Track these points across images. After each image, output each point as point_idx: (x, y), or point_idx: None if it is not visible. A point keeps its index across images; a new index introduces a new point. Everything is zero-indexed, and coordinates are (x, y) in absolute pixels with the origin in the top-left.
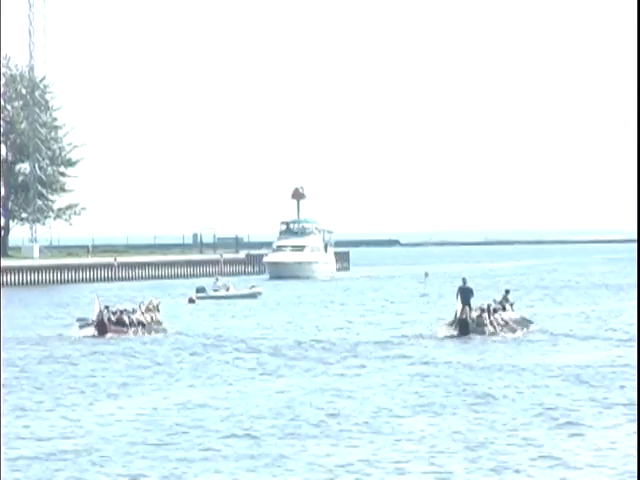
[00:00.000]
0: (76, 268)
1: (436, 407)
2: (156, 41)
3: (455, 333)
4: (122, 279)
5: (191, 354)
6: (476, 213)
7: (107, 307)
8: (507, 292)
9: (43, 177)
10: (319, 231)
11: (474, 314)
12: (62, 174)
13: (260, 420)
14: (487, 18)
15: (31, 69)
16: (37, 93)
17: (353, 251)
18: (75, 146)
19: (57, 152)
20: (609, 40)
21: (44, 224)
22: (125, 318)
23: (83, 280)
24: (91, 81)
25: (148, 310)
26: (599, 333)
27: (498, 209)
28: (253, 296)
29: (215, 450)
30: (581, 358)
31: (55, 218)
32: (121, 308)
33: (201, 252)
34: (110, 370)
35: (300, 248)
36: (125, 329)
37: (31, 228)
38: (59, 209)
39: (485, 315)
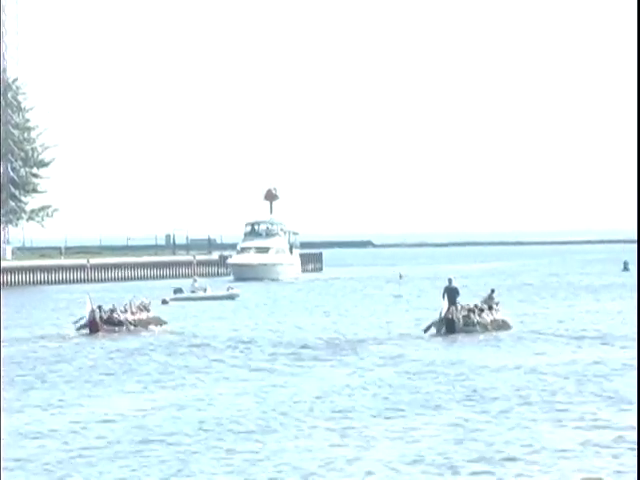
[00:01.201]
0: (49, 270)
1: (428, 403)
2: (128, 43)
3: (442, 332)
4: (95, 281)
5: (183, 353)
6: (450, 215)
7: (100, 307)
8: (492, 291)
9: (16, 178)
10: (284, 232)
11: (461, 314)
12: (35, 175)
13: (248, 417)
14: (485, 20)
15: (3, 70)
16: (9, 94)
17: (326, 252)
18: (47, 147)
19: (30, 153)
20: (605, 38)
21: (17, 225)
22: (117, 317)
23: (56, 282)
24: (64, 82)
25: (139, 309)
26: (578, 333)
27: (473, 210)
28: (231, 297)
29: (218, 448)
30: (565, 357)
31: (28, 220)
32: (113, 308)
33: (174, 253)
34: (103, 368)
35: (265, 250)
36: (117, 328)
37: (3, 230)
38: (32, 210)
39: (472, 315)
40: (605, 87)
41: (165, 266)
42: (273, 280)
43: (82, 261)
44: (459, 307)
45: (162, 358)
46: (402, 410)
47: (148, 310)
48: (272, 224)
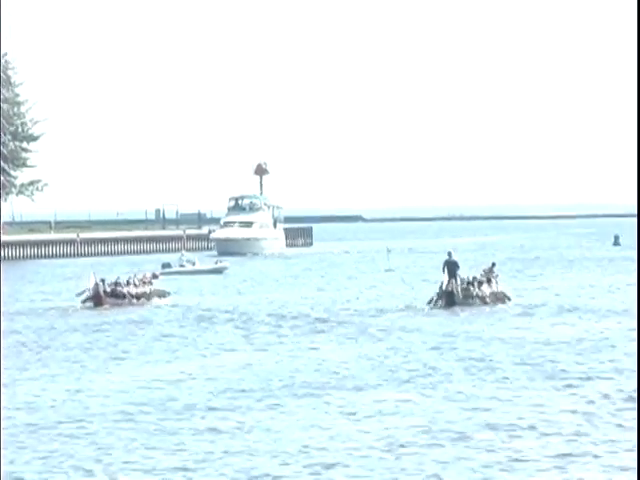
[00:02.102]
0: (38, 244)
1: (432, 372)
2: (118, 16)
3: (441, 305)
4: (85, 255)
5: (186, 325)
6: (441, 189)
7: (103, 280)
8: (493, 265)
9: (5, 153)
10: (268, 207)
11: (460, 286)
12: (24, 149)
13: (247, 387)
14: (481, 11)
15: None
16: None
17: (316, 227)
18: (37, 121)
19: (19, 127)
20: (596, 26)
21: (6, 200)
22: (120, 290)
23: (45, 256)
24: (53, 57)
25: (142, 283)
26: (575, 306)
27: (465, 184)
28: (219, 271)
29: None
30: (564, 328)
31: (17, 194)
32: (117, 281)
33: (164, 228)
34: (108, 340)
35: (248, 224)
36: (120, 301)
37: None
38: (21, 185)
39: (471, 287)
40: (597, 67)
41: (155, 240)
42: (257, 254)
43: (72, 235)
44: (459, 280)
45: (168, 330)
46: (407, 381)
47: (151, 283)
48: (256, 198)
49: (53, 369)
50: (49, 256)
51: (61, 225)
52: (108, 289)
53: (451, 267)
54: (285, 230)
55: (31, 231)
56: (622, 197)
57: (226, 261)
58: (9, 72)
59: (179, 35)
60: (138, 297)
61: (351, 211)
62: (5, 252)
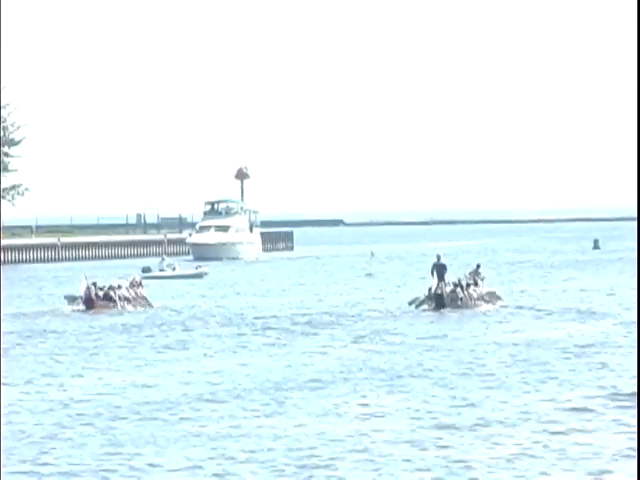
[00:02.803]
0: (19, 249)
1: (425, 374)
2: (100, 20)
3: (431, 307)
4: (66, 259)
5: (176, 328)
6: (421, 194)
7: (94, 283)
8: (478, 266)
9: None
10: (244, 211)
11: (448, 289)
12: (5, 154)
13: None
14: (477, 15)
15: None
16: None
17: (297, 231)
18: (18, 126)
19: (0, 132)
20: (596, 25)
21: None
22: (112, 293)
23: (26, 260)
24: (35, 61)
25: (132, 286)
26: (562, 308)
27: (445, 189)
28: (199, 276)
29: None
30: (553, 330)
31: None
32: (107, 284)
33: (145, 232)
34: (101, 343)
35: (224, 228)
36: (112, 304)
37: None
38: (3, 189)
39: (459, 290)
40: (594, 73)
41: (136, 245)
42: (233, 259)
43: (53, 240)
44: (447, 282)
45: (158, 333)
46: (401, 382)
47: (142, 286)
48: (232, 202)
49: (50, 370)
50: (30, 261)
51: (42, 229)
52: (100, 292)
53: (440, 270)
54: (266, 234)
55: (12, 235)
56: (600, 201)
57: (206, 266)
58: None
59: (161, 42)
60: (129, 300)
61: (332, 215)
62: None
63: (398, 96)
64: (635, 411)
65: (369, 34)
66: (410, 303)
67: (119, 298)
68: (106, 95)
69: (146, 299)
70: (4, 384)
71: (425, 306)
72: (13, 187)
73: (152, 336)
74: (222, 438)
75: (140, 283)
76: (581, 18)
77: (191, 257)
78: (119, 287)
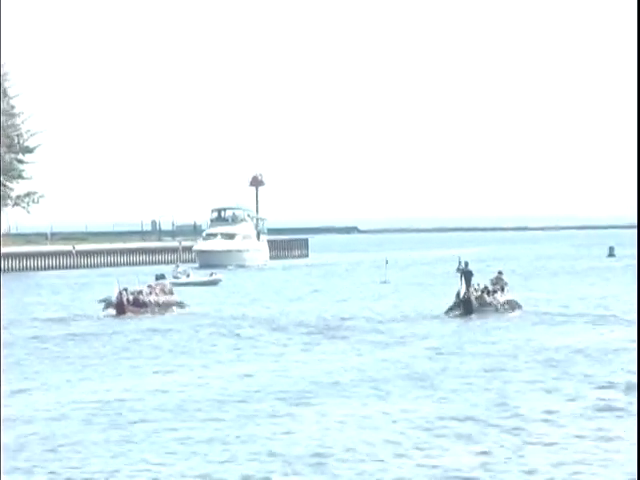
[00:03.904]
0: (35, 256)
1: (461, 374)
2: (114, 30)
3: (459, 313)
4: (81, 267)
5: (210, 333)
6: (435, 201)
7: (125, 289)
8: (500, 273)
9: (1, 164)
10: (251, 218)
11: (476, 295)
12: (20, 161)
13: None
14: (481, 21)
15: None
16: None
17: (312, 238)
18: (33, 133)
19: (15, 139)
20: (604, 30)
21: (2, 212)
22: (142, 299)
23: (42, 268)
24: (50, 69)
25: (163, 292)
26: (587, 314)
27: (459, 196)
28: (214, 283)
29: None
30: (579, 336)
31: (13, 205)
32: (138, 290)
33: (160, 239)
34: (132, 347)
35: (231, 236)
36: (142, 309)
37: None
38: (17, 196)
39: (486, 295)
40: (598, 79)
41: (151, 252)
42: (240, 267)
43: (68, 247)
44: (473, 289)
45: (189, 337)
46: (433, 385)
47: (172, 293)
48: (238, 210)
49: (91, 373)
50: (45, 268)
51: (57, 237)
52: (131, 298)
53: (467, 276)
54: (280, 242)
55: (27, 242)
56: (611, 209)
57: (220, 273)
58: (5, 84)
59: (176, 48)
60: (159, 306)
61: (346, 222)
62: (1, 264)
63: (413, 105)
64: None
65: (383, 43)
66: (446, 312)
67: (150, 304)
68: (122, 102)
69: (180, 303)
70: (35, 388)
71: (455, 312)
72: (28, 194)
73: (183, 340)
74: (255, 440)
75: (171, 290)
76: (581, 22)
77: (197, 264)
78: (150, 293)
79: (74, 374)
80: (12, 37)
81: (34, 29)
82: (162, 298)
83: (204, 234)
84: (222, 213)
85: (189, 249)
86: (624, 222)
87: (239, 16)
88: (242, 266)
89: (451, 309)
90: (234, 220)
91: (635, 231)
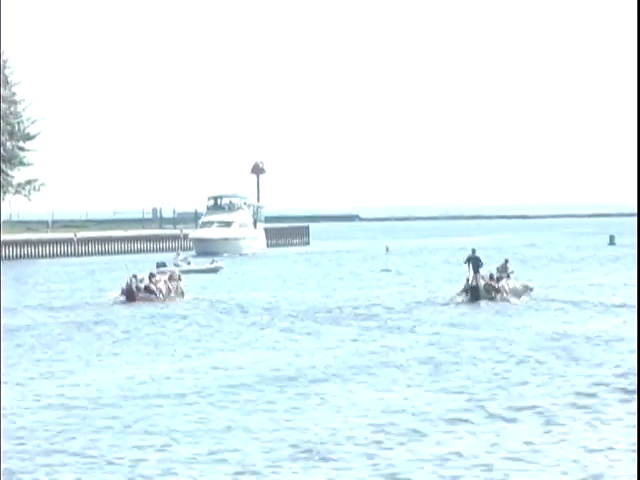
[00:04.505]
0: (35, 243)
1: (468, 359)
2: (115, 17)
3: (466, 299)
4: (82, 254)
5: (217, 319)
6: (436, 188)
7: (135, 276)
8: (506, 261)
9: (2, 152)
10: (248, 206)
11: (483, 282)
12: (21, 149)
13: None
14: (481, 12)
15: None
16: None
17: (313, 226)
18: (34, 121)
19: (16, 127)
20: (601, 24)
21: (3, 199)
22: (152, 286)
23: (43, 255)
24: (50, 56)
25: (171, 279)
26: (594, 301)
27: (460, 184)
28: (214, 271)
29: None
30: (587, 322)
31: (14, 193)
32: (148, 277)
33: (161, 227)
34: (143, 333)
35: (227, 224)
36: (152, 296)
37: None
38: (18, 184)
39: (493, 282)
40: (596, 65)
41: (152, 240)
42: (236, 254)
43: (69, 235)
44: (480, 276)
45: (198, 323)
46: (441, 371)
47: (180, 279)
48: (235, 197)
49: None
50: (46, 256)
51: (58, 224)
52: (140, 285)
53: (475, 263)
54: (281, 229)
55: (28, 230)
56: (613, 197)
57: (221, 261)
58: (6, 71)
59: (176, 36)
60: (169, 293)
61: (348, 210)
62: (2, 251)
63: (413, 91)
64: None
65: (384, 32)
66: (453, 299)
67: (159, 290)
68: (122, 90)
69: (183, 291)
70: (51, 373)
71: (461, 298)
72: (29, 182)
73: (191, 326)
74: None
75: (179, 277)
76: (581, 17)
77: (193, 252)
78: (158, 280)
79: (88, 361)
80: (13, 24)
81: (35, 16)
82: (171, 285)
83: (200, 222)
84: (219, 201)
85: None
86: (624, 210)
87: (240, 7)
88: (239, 254)
89: (458, 295)
90: (231, 208)
91: (633, 219)
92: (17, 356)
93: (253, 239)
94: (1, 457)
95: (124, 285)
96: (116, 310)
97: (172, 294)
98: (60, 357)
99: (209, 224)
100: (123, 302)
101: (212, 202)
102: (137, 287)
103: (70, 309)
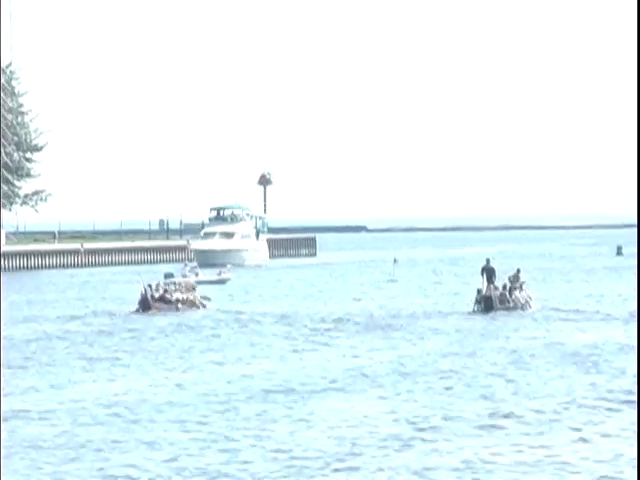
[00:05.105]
0: (43, 254)
1: (483, 370)
2: (121, 28)
3: (480, 309)
4: (89, 265)
5: (233, 328)
6: (443, 200)
7: (150, 286)
8: (518, 271)
9: (9, 163)
10: (250, 217)
11: (497, 292)
12: (28, 160)
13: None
14: (484, 14)
15: None
16: (3, 79)
17: (320, 237)
18: (41, 132)
19: (23, 138)
20: (601, 29)
21: (10, 210)
22: (167, 296)
23: (50, 266)
24: (57, 67)
25: (187, 289)
26: (603, 311)
27: (467, 196)
28: (222, 282)
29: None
30: (598, 333)
31: (21, 204)
32: (163, 287)
33: (167, 238)
34: (159, 343)
35: (229, 235)
36: (167, 306)
37: None
38: (25, 195)
39: (506, 293)
40: (599, 76)
41: (158, 251)
42: (238, 266)
43: (76, 246)
44: (494, 286)
45: (213, 333)
46: (454, 380)
47: (195, 289)
48: (237, 209)
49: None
50: (53, 266)
51: (65, 235)
52: (156, 295)
53: (489, 273)
54: (288, 240)
55: (35, 241)
56: (618, 208)
57: (229, 272)
58: (13, 82)
59: (184, 48)
60: (184, 302)
61: (355, 221)
62: (9, 262)
63: (421, 102)
64: None
65: (395, 47)
66: (469, 310)
67: (175, 300)
68: (130, 100)
69: (198, 301)
70: (60, 384)
71: (475, 309)
72: (36, 193)
73: (207, 336)
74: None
75: (194, 287)
76: (581, 23)
77: (195, 263)
78: (175, 290)
79: (102, 370)
80: (20, 35)
81: (43, 27)
82: (186, 295)
83: (202, 233)
84: (221, 212)
85: None
86: (628, 221)
87: (248, 16)
88: (241, 265)
89: (472, 306)
90: (233, 219)
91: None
92: (26, 367)
93: (255, 250)
94: (1, 457)
95: (139, 295)
96: (131, 319)
97: (188, 304)
98: (62, 369)
99: (211, 235)
100: (138, 311)
101: (214, 213)
102: (152, 296)
103: (83, 318)
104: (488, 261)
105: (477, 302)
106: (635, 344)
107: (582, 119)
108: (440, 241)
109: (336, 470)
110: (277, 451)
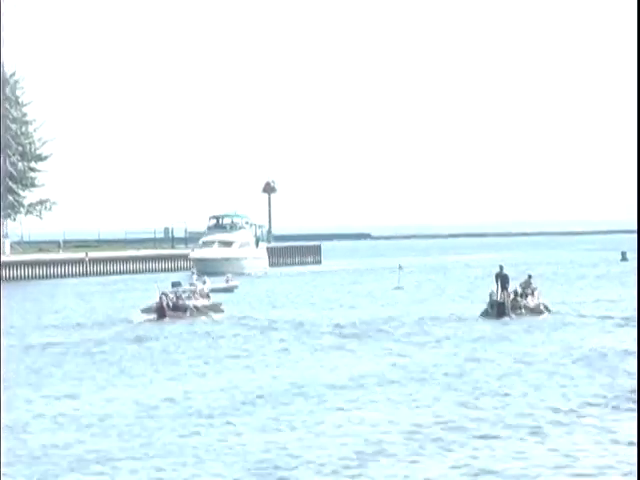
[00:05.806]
0: (47, 264)
1: (496, 375)
2: (125, 37)
3: (493, 314)
4: (94, 274)
5: (249, 336)
6: (447, 206)
7: (165, 293)
8: (530, 277)
9: (14, 172)
10: (250, 225)
11: (509, 298)
12: (33, 169)
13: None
14: (485, 16)
15: (2, 65)
16: (7, 89)
17: (325, 245)
18: (45, 141)
19: (28, 147)
20: (604, 31)
21: (15, 220)
22: (182, 303)
23: (54, 276)
24: (61, 76)
25: (201, 297)
26: (613, 316)
27: (471, 202)
28: (230, 290)
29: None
30: (608, 337)
31: (26, 214)
32: (178, 294)
33: (173, 247)
34: (178, 350)
35: (228, 243)
36: (182, 314)
37: (2, 224)
38: (30, 204)
39: (520, 299)
40: (602, 79)
41: (163, 259)
42: (237, 274)
43: (81, 255)
44: (507, 293)
45: (229, 340)
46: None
47: (209, 297)
48: (237, 217)
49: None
50: (58, 276)
51: (70, 244)
52: (171, 302)
53: (503, 280)
54: (294, 248)
55: (40, 251)
56: (625, 214)
57: (236, 280)
58: (17, 92)
59: (188, 55)
60: (199, 310)
61: (359, 229)
62: (14, 272)
63: (425, 110)
64: None
65: (400, 54)
66: (481, 315)
67: (189, 308)
68: (134, 110)
69: (213, 309)
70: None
71: (487, 314)
72: (40, 202)
73: (224, 343)
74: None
75: (208, 294)
76: (581, 30)
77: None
78: (190, 297)
79: (119, 377)
80: (24, 45)
81: (46, 37)
82: (201, 302)
83: (201, 242)
84: (220, 220)
85: None
86: (631, 227)
87: (253, 26)
88: (240, 274)
89: (485, 311)
90: (232, 227)
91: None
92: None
93: (255, 259)
94: (1, 457)
95: (153, 303)
96: (146, 327)
97: (202, 311)
98: (79, 377)
99: (209, 244)
100: (153, 319)
101: (213, 222)
102: (167, 304)
103: (98, 326)
104: (501, 268)
105: (490, 306)
106: None
107: (587, 127)
108: (445, 248)
109: (348, 476)
110: (286, 456)
